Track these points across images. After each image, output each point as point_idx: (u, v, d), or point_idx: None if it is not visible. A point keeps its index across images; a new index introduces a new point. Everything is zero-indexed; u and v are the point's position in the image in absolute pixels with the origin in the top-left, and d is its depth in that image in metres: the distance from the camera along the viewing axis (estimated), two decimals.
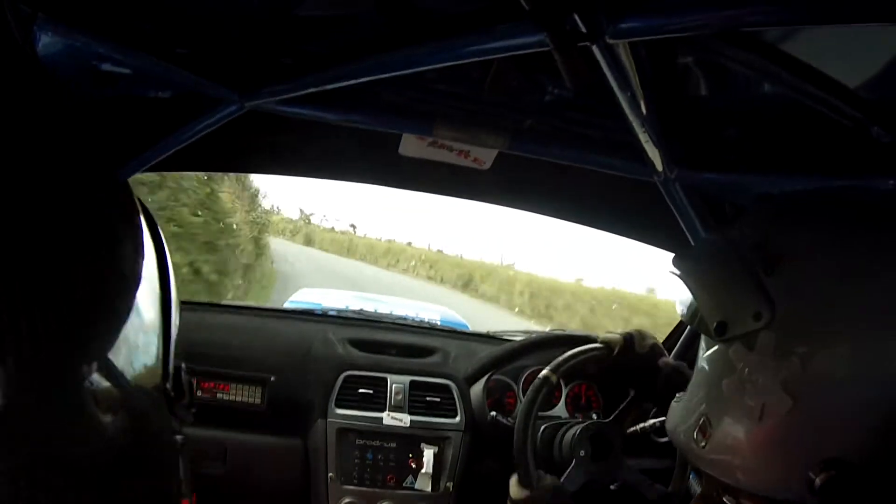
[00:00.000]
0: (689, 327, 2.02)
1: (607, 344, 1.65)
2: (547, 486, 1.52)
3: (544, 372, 1.60)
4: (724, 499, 0.90)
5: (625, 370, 1.72)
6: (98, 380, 0.37)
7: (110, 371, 0.38)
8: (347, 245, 30.30)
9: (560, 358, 1.62)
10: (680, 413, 0.95)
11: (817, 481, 0.74)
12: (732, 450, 0.83)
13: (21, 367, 0.33)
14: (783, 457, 0.79)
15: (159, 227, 0.51)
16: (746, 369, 0.80)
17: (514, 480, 1.54)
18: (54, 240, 0.36)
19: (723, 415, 0.84)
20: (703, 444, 0.87)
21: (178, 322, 0.50)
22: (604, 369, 1.94)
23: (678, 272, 0.92)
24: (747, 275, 0.81)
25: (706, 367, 0.89)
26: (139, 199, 0.50)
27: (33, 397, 0.34)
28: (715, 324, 0.84)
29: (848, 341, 0.73)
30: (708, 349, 0.89)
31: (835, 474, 0.73)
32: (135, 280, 0.43)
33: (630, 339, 1.63)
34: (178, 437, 0.50)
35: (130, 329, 0.41)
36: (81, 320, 0.36)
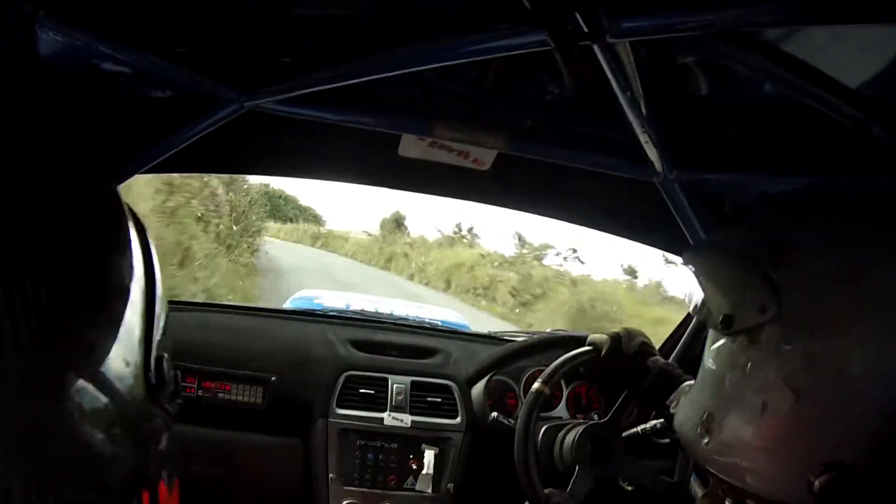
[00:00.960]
0: (689, 328, 2.02)
1: (595, 345, 1.64)
2: None
3: (536, 385, 1.61)
4: (728, 500, 0.89)
5: (617, 370, 1.71)
6: (78, 367, 0.38)
7: (90, 361, 0.39)
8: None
9: (550, 368, 1.62)
10: (686, 409, 0.95)
11: (817, 483, 0.72)
12: (734, 447, 0.82)
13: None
14: (784, 456, 0.78)
15: (146, 229, 0.52)
16: (749, 364, 0.79)
17: None
18: (37, 237, 0.37)
19: (726, 411, 0.83)
20: (706, 440, 0.86)
21: (163, 318, 0.51)
22: (602, 370, 1.95)
23: (689, 266, 0.91)
24: (754, 268, 0.80)
25: (711, 363, 0.89)
26: (126, 203, 0.51)
27: (12, 388, 0.34)
28: (721, 317, 0.83)
29: (852, 337, 0.72)
30: (714, 344, 0.89)
31: (835, 476, 0.72)
32: (116, 278, 0.43)
33: (617, 339, 1.61)
34: (160, 422, 0.51)
35: (110, 323, 0.42)
36: (60, 315, 0.37)
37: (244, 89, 1.23)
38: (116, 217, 0.47)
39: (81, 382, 0.38)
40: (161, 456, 0.51)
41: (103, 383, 0.40)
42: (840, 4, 0.79)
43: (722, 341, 0.86)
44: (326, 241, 26.65)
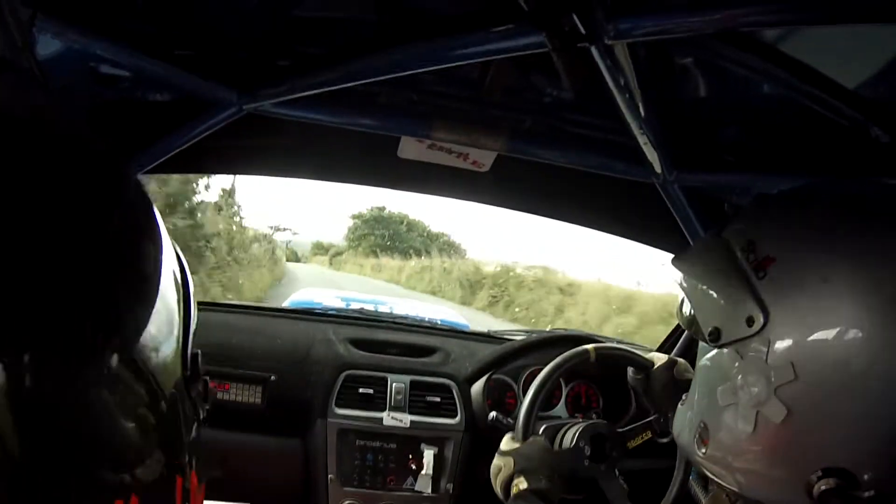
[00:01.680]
0: (684, 335, 2.02)
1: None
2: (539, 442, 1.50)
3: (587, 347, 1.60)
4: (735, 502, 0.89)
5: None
6: (124, 363, 0.40)
7: (136, 356, 0.41)
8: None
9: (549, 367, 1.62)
10: (681, 418, 0.94)
11: (816, 489, 0.73)
12: (730, 458, 0.82)
13: (49, 353, 0.35)
14: (780, 466, 0.77)
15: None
16: (739, 377, 0.78)
17: (507, 437, 1.53)
18: (84, 235, 0.39)
19: (719, 423, 0.83)
20: (703, 450, 0.85)
21: (196, 313, 0.53)
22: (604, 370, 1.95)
23: (677, 275, 0.89)
24: (740, 277, 0.79)
25: (704, 374, 0.88)
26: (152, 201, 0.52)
27: (62, 379, 0.35)
28: (710, 329, 0.82)
29: (843, 346, 0.71)
30: (704, 355, 0.88)
31: (833, 481, 0.72)
32: (157, 271, 0.45)
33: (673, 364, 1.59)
34: (191, 414, 0.53)
35: (156, 318, 0.44)
36: (108, 309, 0.38)
37: (243, 91, 1.23)
38: (149, 206, 0.48)
39: (122, 362, 0.39)
40: (193, 446, 0.52)
41: (145, 364, 0.41)
42: (838, 5, 0.79)
43: (712, 353, 0.85)
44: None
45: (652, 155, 1.27)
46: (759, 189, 1.34)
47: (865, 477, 0.72)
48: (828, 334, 0.71)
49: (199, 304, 1.91)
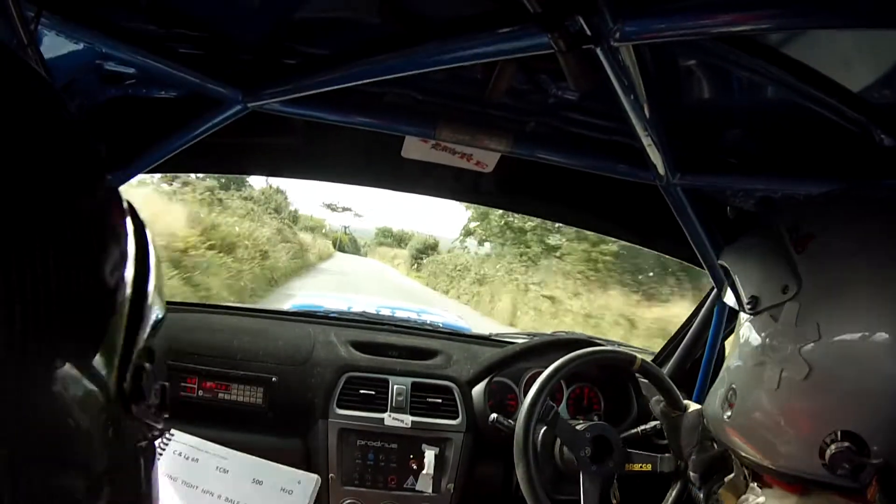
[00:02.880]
0: (685, 338, 2.03)
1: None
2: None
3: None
4: (751, 484, 0.93)
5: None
6: (40, 375, 0.38)
7: (49, 360, 0.38)
8: None
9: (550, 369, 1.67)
10: (714, 388, 1.00)
11: (828, 452, 0.78)
12: (753, 418, 0.88)
13: None
14: (798, 426, 0.83)
15: (146, 230, 0.52)
16: (768, 339, 0.86)
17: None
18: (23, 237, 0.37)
19: (747, 383, 0.90)
20: (728, 413, 0.92)
21: (151, 324, 0.50)
22: (606, 373, 1.96)
23: (724, 263, 1.00)
24: (780, 253, 0.88)
25: (738, 342, 0.95)
26: (128, 202, 0.50)
27: None
28: (749, 298, 0.91)
29: (864, 317, 0.78)
30: (741, 327, 0.95)
31: (846, 446, 0.77)
32: (96, 277, 0.42)
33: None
34: (142, 442, 0.49)
35: (80, 323, 0.41)
36: (28, 317, 0.36)
37: (248, 90, 1.23)
38: (107, 214, 0.45)
39: (33, 380, 0.37)
40: (135, 471, 0.48)
41: (60, 385, 0.39)
42: (843, 9, 0.79)
43: (748, 322, 0.92)
44: None
45: (656, 157, 1.27)
46: (763, 192, 1.34)
47: (875, 445, 0.76)
48: (852, 304, 0.79)
49: (199, 306, 1.91)
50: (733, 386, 0.92)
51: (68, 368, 0.39)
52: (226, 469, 1.17)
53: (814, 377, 0.80)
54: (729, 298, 1.04)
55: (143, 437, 0.49)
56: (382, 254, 34.91)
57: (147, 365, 0.48)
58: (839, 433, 0.78)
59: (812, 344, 0.80)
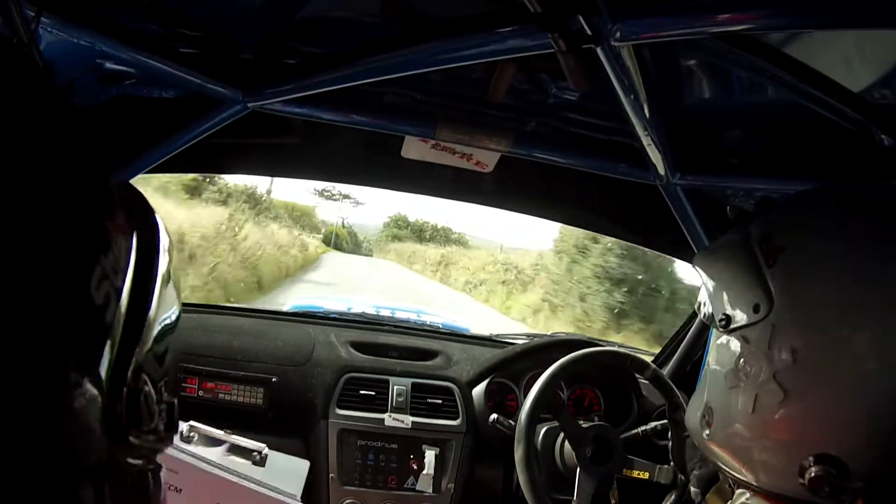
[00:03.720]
0: (685, 339, 2.02)
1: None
2: None
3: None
4: (737, 492, 0.91)
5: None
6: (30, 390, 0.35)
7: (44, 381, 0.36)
8: None
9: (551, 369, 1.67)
10: (692, 402, 0.99)
11: (808, 474, 0.76)
12: (730, 441, 0.86)
13: None
14: (776, 449, 0.81)
15: (160, 234, 0.48)
16: (742, 360, 0.83)
17: None
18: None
19: (721, 405, 0.87)
20: (706, 431, 0.90)
21: (151, 340, 0.45)
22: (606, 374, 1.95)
23: (698, 269, 0.96)
24: (751, 266, 0.84)
25: (712, 359, 0.93)
26: (144, 202, 0.47)
27: None
28: (720, 316, 0.87)
29: (840, 338, 0.75)
30: (715, 341, 0.93)
31: (824, 469, 0.75)
32: (88, 288, 0.39)
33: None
34: (137, 464, 0.45)
35: (65, 342, 0.38)
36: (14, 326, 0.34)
37: (248, 90, 1.23)
38: (107, 215, 0.42)
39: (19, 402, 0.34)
40: (138, 493, 0.45)
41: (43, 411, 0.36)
42: (844, 10, 0.79)
43: (722, 339, 0.89)
44: None
45: (656, 157, 1.27)
46: (762, 192, 1.34)
47: (856, 468, 0.75)
48: (828, 324, 0.76)
49: (199, 306, 1.90)
50: (710, 405, 0.90)
51: (53, 385, 0.37)
52: None
53: (790, 402, 0.78)
54: (698, 308, 0.99)
55: (146, 461, 0.47)
56: (399, 252, 28.05)
57: (146, 388, 0.44)
58: (818, 457, 0.76)
59: (787, 370, 0.78)
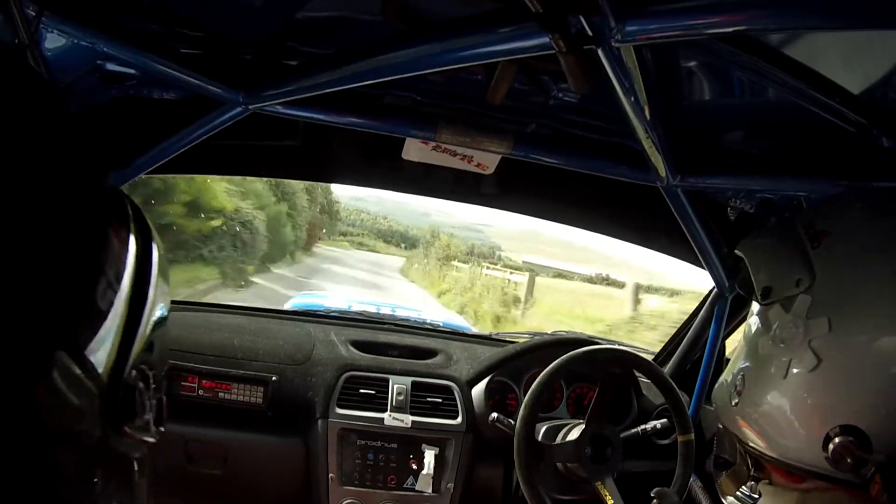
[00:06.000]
0: (685, 338, 2.03)
1: None
2: None
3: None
4: (753, 474, 0.95)
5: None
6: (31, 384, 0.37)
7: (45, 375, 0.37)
8: None
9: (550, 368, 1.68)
10: (725, 375, 1.02)
11: (831, 445, 0.79)
12: (757, 409, 0.90)
13: None
14: (803, 417, 0.84)
15: (153, 237, 0.50)
16: (779, 329, 0.88)
17: None
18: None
19: (755, 372, 0.91)
20: (735, 401, 0.93)
21: (147, 334, 0.47)
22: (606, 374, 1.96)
23: (740, 253, 1.01)
24: (796, 247, 0.89)
25: (749, 330, 0.97)
26: (133, 206, 0.49)
27: None
28: (762, 288, 0.93)
29: (874, 315, 0.80)
30: (753, 315, 0.97)
31: (849, 441, 0.78)
32: (91, 286, 0.41)
33: None
34: (135, 455, 0.48)
35: (71, 335, 0.40)
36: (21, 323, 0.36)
37: (248, 91, 1.23)
38: (107, 218, 0.44)
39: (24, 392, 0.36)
40: (125, 482, 0.48)
41: (49, 404, 0.38)
42: (844, 10, 0.79)
43: (758, 313, 0.94)
44: None
45: (656, 158, 1.27)
46: (763, 193, 1.34)
47: (878, 442, 0.77)
48: (864, 301, 0.81)
49: (199, 305, 1.90)
50: (742, 373, 0.93)
51: (56, 379, 0.38)
52: None
53: (821, 370, 0.81)
54: (743, 287, 1.06)
55: (137, 451, 0.49)
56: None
57: (140, 384, 0.47)
58: (843, 427, 0.78)
59: (822, 337, 0.81)
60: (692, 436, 1.68)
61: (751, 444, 0.91)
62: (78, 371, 0.40)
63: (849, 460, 0.77)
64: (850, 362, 0.80)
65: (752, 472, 0.95)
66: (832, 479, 0.81)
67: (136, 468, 0.49)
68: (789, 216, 0.97)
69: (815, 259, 0.86)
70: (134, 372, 0.46)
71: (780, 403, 0.86)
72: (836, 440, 0.78)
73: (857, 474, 0.78)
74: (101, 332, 0.42)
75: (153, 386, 0.49)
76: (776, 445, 0.87)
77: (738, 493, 1.02)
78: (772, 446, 0.88)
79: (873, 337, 0.79)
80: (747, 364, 0.94)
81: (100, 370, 0.42)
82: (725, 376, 1.00)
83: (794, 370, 0.84)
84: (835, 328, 0.81)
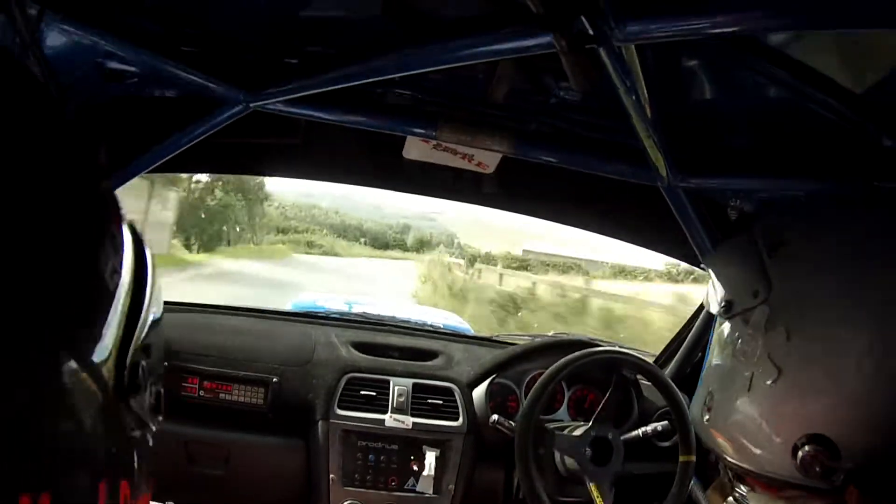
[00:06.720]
0: (685, 340, 2.02)
1: None
2: None
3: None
4: (737, 486, 0.94)
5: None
6: (45, 354, 0.39)
7: (59, 348, 0.40)
8: None
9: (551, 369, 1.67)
10: (696, 394, 1.03)
11: (800, 454, 0.79)
12: (728, 423, 0.90)
13: None
14: (770, 428, 0.85)
15: (141, 234, 0.53)
16: (740, 342, 0.89)
17: None
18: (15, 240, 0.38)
19: (721, 387, 0.93)
20: (707, 416, 0.94)
21: (149, 323, 0.51)
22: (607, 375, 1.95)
23: (707, 267, 1.05)
24: (754, 258, 0.90)
25: (714, 346, 0.99)
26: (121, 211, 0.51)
27: None
28: (724, 303, 0.94)
29: (830, 322, 0.81)
30: (717, 329, 0.99)
31: (818, 450, 0.79)
32: (98, 278, 0.44)
33: None
34: (136, 432, 0.51)
35: (84, 319, 0.43)
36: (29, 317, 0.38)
37: (250, 90, 1.23)
38: (107, 217, 0.46)
39: (45, 367, 0.39)
40: (129, 456, 0.50)
41: (66, 372, 0.41)
42: (844, 10, 0.79)
43: (723, 326, 0.95)
44: None
45: (657, 158, 1.27)
46: (765, 194, 1.34)
47: (846, 448, 0.78)
48: (820, 309, 0.82)
49: (200, 306, 1.90)
50: (710, 389, 0.94)
51: (69, 361, 0.40)
52: None
53: (782, 380, 0.82)
54: (709, 301, 1.05)
55: (138, 428, 0.50)
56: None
57: (144, 362, 0.49)
58: (810, 436, 0.79)
59: (780, 347, 0.82)
60: (693, 458, 1.67)
61: (728, 458, 0.92)
62: (91, 347, 0.43)
63: (818, 469, 0.78)
64: (810, 371, 0.81)
65: (733, 485, 0.96)
66: (808, 489, 0.82)
67: (137, 444, 0.51)
68: (751, 226, 0.99)
69: (770, 269, 0.87)
70: (138, 349, 0.49)
71: (748, 416, 0.87)
72: (805, 449, 0.79)
73: (829, 482, 0.78)
74: (102, 329, 0.44)
75: (156, 375, 0.52)
76: (751, 458, 0.88)
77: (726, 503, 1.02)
78: (747, 459, 0.88)
79: (831, 344, 0.80)
80: (714, 379, 0.95)
81: (110, 347, 0.45)
82: (696, 395, 1.01)
83: (757, 382, 0.85)
84: (792, 337, 0.82)
